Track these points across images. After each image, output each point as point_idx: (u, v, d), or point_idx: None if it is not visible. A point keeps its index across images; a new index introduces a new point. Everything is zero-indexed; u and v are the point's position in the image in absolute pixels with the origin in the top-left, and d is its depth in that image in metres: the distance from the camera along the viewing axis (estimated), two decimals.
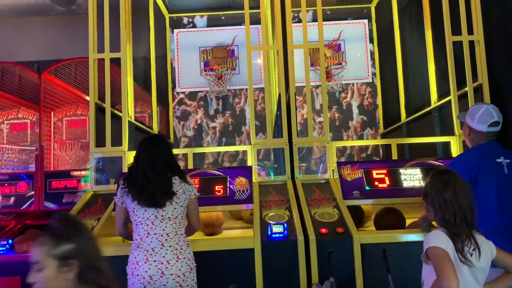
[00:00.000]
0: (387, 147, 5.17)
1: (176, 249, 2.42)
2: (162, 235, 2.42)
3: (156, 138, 2.72)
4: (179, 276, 2.37)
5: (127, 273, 2.44)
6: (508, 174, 2.57)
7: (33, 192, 4.72)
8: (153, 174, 2.46)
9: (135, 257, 2.42)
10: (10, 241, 3.33)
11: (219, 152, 6.67)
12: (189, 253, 2.49)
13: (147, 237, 2.43)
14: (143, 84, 5.39)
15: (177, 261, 2.40)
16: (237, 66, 6.84)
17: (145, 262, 2.38)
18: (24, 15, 6.89)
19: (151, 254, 2.39)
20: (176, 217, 2.49)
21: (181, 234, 2.50)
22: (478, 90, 3.83)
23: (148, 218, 2.45)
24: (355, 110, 6.84)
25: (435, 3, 4.48)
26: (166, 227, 2.44)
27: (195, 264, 2.50)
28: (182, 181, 2.57)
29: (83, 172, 4.74)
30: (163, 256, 2.38)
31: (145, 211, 2.46)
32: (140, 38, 5.26)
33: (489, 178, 2.53)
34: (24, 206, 4.71)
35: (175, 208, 2.49)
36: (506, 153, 2.66)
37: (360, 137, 6.75)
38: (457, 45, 3.93)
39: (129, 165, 2.68)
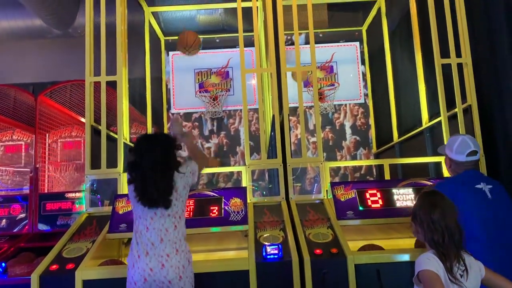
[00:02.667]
0: (380, 167, 5.23)
1: (175, 243, 2.49)
2: (161, 230, 2.49)
3: (155, 137, 2.70)
4: (178, 268, 2.44)
5: (128, 266, 2.50)
6: (492, 199, 2.59)
7: (26, 214, 4.70)
8: (153, 175, 2.47)
9: (136, 251, 2.47)
10: (3, 264, 3.32)
11: (213, 173, 6.68)
12: (186, 246, 2.56)
13: (146, 231, 2.49)
14: (138, 106, 5.44)
15: (176, 253, 2.46)
16: (231, 87, 6.93)
17: (146, 256, 2.44)
18: (20, 38, 6.95)
19: (150, 248, 2.45)
20: (176, 212, 2.55)
21: (180, 229, 2.56)
22: (467, 111, 3.90)
23: (147, 214, 2.52)
24: (348, 130, 6.91)
25: (424, 27, 4.60)
26: (165, 221, 2.51)
27: (192, 256, 2.58)
28: (179, 173, 2.59)
29: (77, 194, 4.73)
30: (163, 250, 2.45)
31: (144, 207, 2.51)
32: (135, 61, 5.34)
33: (468, 205, 2.52)
34: (18, 228, 4.68)
35: (174, 205, 2.55)
36: (487, 180, 2.71)
37: (354, 157, 6.81)
38: (447, 67, 4.03)
39: (129, 158, 2.63)
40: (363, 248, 3.13)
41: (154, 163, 2.48)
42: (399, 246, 3.43)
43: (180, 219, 2.58)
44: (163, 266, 2.42)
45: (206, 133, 6.91)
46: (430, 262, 1.93)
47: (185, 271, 2.47)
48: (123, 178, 3.93)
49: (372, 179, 6.57)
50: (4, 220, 4.74)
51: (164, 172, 2.52)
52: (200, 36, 6.91)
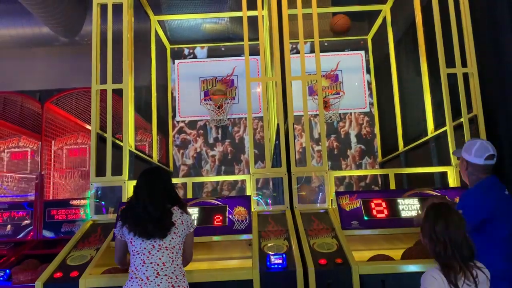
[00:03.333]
0: (386, 176, 5.20)
1: (171, 278, 2.40)
2: (158, 264, 2.42)
3: (156, 170, 2.76)
4: None
5: None
6: None
7: (31, 221, 4.71)
8: (152, 208, 2.48)
9: (131, 286, 2.40)
10: (7, 271, 3.32)
11: (218, 181, 6.68)
12: (184, 282, 2.47)
13: (142, 266, 2.42)
14: (143, 113, 5.47)
15: None
16: (236, 95, 6.94)
17: None
18: (28, 45, 7.02)
19: (145, 283, 2.36)
20: (174, 247, 2.49)
21: (177, 264, 2.49)
22: (473, 121, 3.89)
23: (145, 248, 2.45)
24: (353, 139, 6.89)
25: (429, 36, 4.60)
26: (162, 256, 2.44)
27: None
28: (183, 212, 2.61)
29: (82, 201, 4.74)
30: (158, 285, 2.35)
31: (143, 241, 2.47)
32: (141, 69, 5.37)
33: (502, 211, 2.58)
34: (22, 235, 4.68)
35: (173, 238, 2.50)
36: (504, 185, 2.75)
37: (359, 166, 6.78)
38: (452, 77, 4.02)
39: (128, 198, 2.67)
40: (372, 259, 3.11)
41: (153, 196, 2.51)
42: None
43: (178, 255, 2.51)
44: None
45: (211, 141, 6.91)
46: (435, 281, 1.92)
47: None
48: (128, 185, 3.94)
49: (377, 188, 6.54)
50: (9, 227, 4.76)
51: (163, 204, 2.53)
52: (206, 45, 6.97)
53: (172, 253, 2.47)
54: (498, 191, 2.68)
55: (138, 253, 2.46)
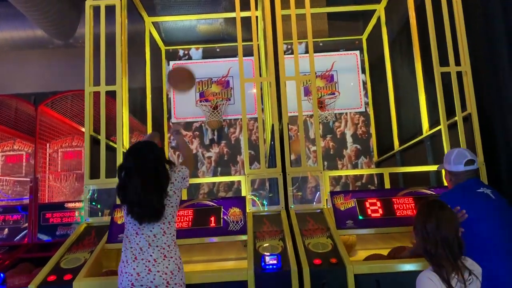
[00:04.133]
0: (382, 176, 5.21)
1: (164, 249, 2.47)
2: (149, 236, 2.47)
3: (144, 149, 2.58)
4: (166, 274, 2.41)
5: (118, 272, 2.49)
6: (496, 199, 2.65)
7: (26, 224, 4.69)
8: (145, 194, 2.44)
9: (125, 256, 2.48)
10: (2, 275, 3.30)
11: (214, 182, 6.67)
12: (176, 252, 2.52)
13: (135, 236, 2.48)
14: (139, 115, 5.45)
15: (163, 259, 2.44)
16: (232, 96, 6.93)
17: (134, 261, 2.43)
18: (22, 48, 7.00)
19: (139, 253, 2.44)
20: (165, 217, 2.53)
21: (170, 233, 2.53)
22: (467, 119, 3.89)
23: (136, 220, 2.50)
24: (349, 139, 6.90)
25: (423, 35, 4.61)
26: (153, 228, 2.49)
27: (182, 263, 2.54)
28: (171, 179, 2.58)
29: (77, 204, 4.73)
30: (150, 255, 2.43)
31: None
32: (136, 70, 5.36)
33: (474, 208, 2.56)
34: (17, 238, 4.67)
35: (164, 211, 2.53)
36: (485, 185, 2.78)
37: (355, 166, 6.79)
38: (447, 75, 4.02)
39: (119, 171, 2.58)
40: (367, 258, 3.10)
41: (142, 185, 2.44)
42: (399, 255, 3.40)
43: (170, 225, 2.55)
44: (149, 271, 2.39)
45: (207, 142, 6.91)
46: (432, 283, 1.91)
47: (173, 278, 2.43)
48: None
49: (373, 188, 6.54)
50: (4, 230, 4.73)
51: (152, 191, 2.48)
52: (201, 46, 6.96)
53: (164, 223, 2.52)
54: (470, 189, 2.69)
55: (130, 223, 2.52)
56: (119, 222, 3.49)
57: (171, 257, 2.47)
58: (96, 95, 4.15)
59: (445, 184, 3.88)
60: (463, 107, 3.94)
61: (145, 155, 2.54)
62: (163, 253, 2.46)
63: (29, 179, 5.40)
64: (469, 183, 2.75)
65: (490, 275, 2.17)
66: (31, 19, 6.20)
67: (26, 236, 4.67)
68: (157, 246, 2.46)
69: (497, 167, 3.70)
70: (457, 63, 4.01)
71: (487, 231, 2.50)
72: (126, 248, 2.50)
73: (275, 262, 2.93)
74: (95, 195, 3.94)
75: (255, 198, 4.03)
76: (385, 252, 3.24)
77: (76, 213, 4.63)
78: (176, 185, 2.62)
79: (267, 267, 2.92)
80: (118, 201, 3.81)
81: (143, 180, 2.46)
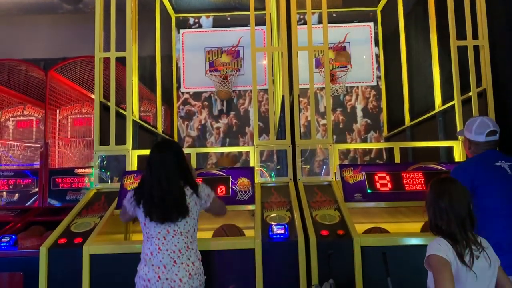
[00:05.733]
0: (391, 151, 5.18)
1: (188, 265, 2.40)
2: (174, 252, 2.40)
3: (168, 145, 2.60)
4: None
5: (136, 286, 2.43)
6: None
7: (37, 189, 4.74)
8: (167, 185, 2.40)
9: (146, 274, 2.38)
10: (13, 237, 3.36)
11: (222, 153, 6.68)
12: (200, 267, 2.47)
13: (158, 252, 2.39)
14: (148, 84, 5.42)
15: (189, 278, 2.37)
16: (242, 67, 6.86)
17: (158, 280, 2.34)
18: (31, 13, 6.93)
19: (163, 272, 2.35)
20: (188, 231, 2.46)
21: (193, 249, 2.47)
22: (482, 95, 3.82)
23: (159, 232, 2.42)
24: (359, 113, 6.83)
25: (440, 8, 4.48)
26: (178, 242, 2.41)
27: (205, 277, 2.50)
28: (193, 193, 2.51)
29: (87, 170, 4.76)
30: (176, 274, 2.35)
31: (157, 224, 2.43)
32: (146, 38, 5.30)
33: (489, 181, 2.54)
34: (29, 203, 4.73)
35: (187, 222, 2.46)
36: (505, 158, 2.68)
37: (364, 140, 6.75)
38: (462, 50, 3.93)
39: (142, 175, 2.58)
40: (369, 231, 3.12)
41: (167, 173, 2.41)
42: (406, 229, 3.41)
43: (193, 239, 2.49)
44: None
45: (216, 113, 6.88)
46: (440, 248, 1.91)
47: None
48: (132, 155, 3.94)
49: (382, 162, 6.51)
50: (15, 194, 4.80)
51: (177, 183, 2.44)
52: (211, 14, 6.85)
53: (187, 237, 2.44)
54: (488, 162, 2.63)
55: (153, 237, 2.43)
56: (128, 188, 3.52)
57: (196, 274, 2.40)
58: (106, 61, 4.12)
59: (456, 159, 3.87)
60: (478, 82, 3.87)
61: (169, 149, 2.52)
62: (188, 271, 2.38)
63: (39, 145, 5.44)
64: (487, 154, 2.68)
65: (494, 247, 2.18)
66: None
67: (36, 200, 4.73)
68: (182, 263, 2.38)
69: (511, 143, 3.65)
70: (475, 37, 3.91)
71: (497, 205, 2.49)
72: (147, 264, 2.40)
73: (282, 232, 2.96)
74: (105, 161, 3.97)
75: (263, 169, 4.04)
76: (392, 225, 3.26)
77: (86, 179, 4.67)
78: (198, 199, 2.52)
79: (275, 236, 2.95)
80: (127, 168, 3.85)
81: (167, 171, 2.41)
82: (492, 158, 2.65)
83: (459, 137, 3.86)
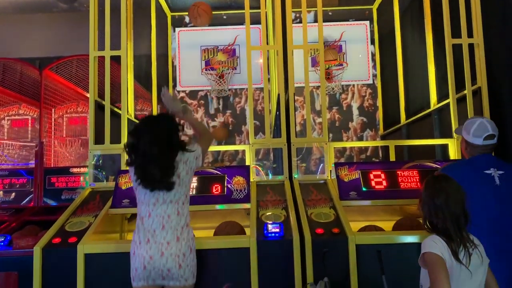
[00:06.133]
0: (386, 149, 5.19)
1: (177, 230, 2.45)
2: (163, 217, 2.45)
3: (158, 115, 2.73)
4: (178, 256, 2.41)
5: (130, 251, 2.49)
6: (500, 185, 2.50)
7: (32, 188, 4.73)
8: (156, 149, 2.41)
9: (139, 237, 2.46)
10: (8, 237, 3.35)
11: (219, 151, 6.67)
12: (189, 233, 2.51)
13: (148, 217, 2.46)
14: (144, 82, 5.41)
15: (177, 241, 2.43)
16: (238, 65, 6.85)
17: (147, 243, 2.42)
18: (26, 11, 6.90)
19: (152, 235, 2.42)
20: (179, 198, 2.51)
21: (183, 214, 2.51)
22: (477, 93, 3.83)
23: (149, 199, 2.48)
24: (355, 112, 6.84)
25: (436, 6, 4.48)
26: (167, 208, 2.47)
27: (195, 245, 2.55)
28: (182, 153, 2.53)
29: (82, 169, 4.74)
30: (164, 238, 2.42)
31: (146, 192, 2.48)
32: (141, 36, 5.28)
33: (472, 190, 2.35)
34: (24, 202, 4.72)
35: (177, 190, 2.50)
36: (500, 165, 2.60)
37: (360, 138, 6.75)
38: (457, 48, 3.93)
39: (128, 140, 2.56)
40: (363, 229, 3.12)
41: (153, 142, 2.42)
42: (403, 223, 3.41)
43: (184, 205, 2.53)
44: (162, 254, 2.39)
45: (212, 111, 6.87)
46: (435, 245, 1.92)
47: (185, 259, 2.44)
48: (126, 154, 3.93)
49: (377, 160, 6.52)
50: (10, 194, 4.78)
51: (163, 151, 2.44)
52: None
53: (178, 203, 2.50)
54: (478, 169, 2.55)
55: (143, 203, 2.50)
56: (123, 188, 3.52)
57: (184, 239, 2.46)
58: (101, 60, 4.11)
59: (451, 157, 3.88)
60: (473, 80, 3.87)
61: (159, 120, 2.56)
62: (176, 235, 2.44)
63: (34, 144, 5.42)
64: (480, 160, 2.61)
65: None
66: None
67: (32, 200, 4.71)
68: (170, 228, 2.44)
69: (505, 142, 3.65)
70: (470, 35, 3.92)
71: (476, 218, 2.26)
72: (139, 229, 2.48)
73: (277, 230, 2.96)
74: (100, 161, 3.96)
75: (259, 168, 4.04)
76: (387, 224, 3.26)
77: (81, 178, 4.66)
78: (188, 164, 2.55)
79: (270, 235, 2.95)
80: (122, 167, 3.83)
81: (155, 136, 2.43)
82: (484, 165, 2.58)
83: (455, 135, 3.86)
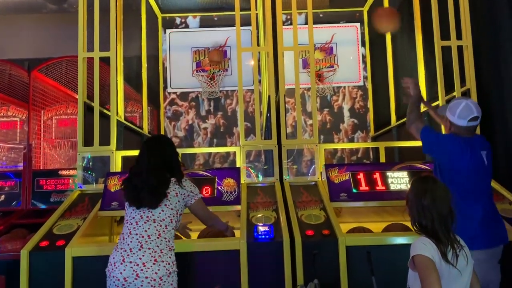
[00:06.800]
0: (377, 150, 5.21)
1: (155, 252, 2.31)
2: (143, 236, 2.34)
3: (157, 138, 2.78)
4: (154, 280, 2.25)
5: (106, 274, 2.37)
6: (488, 166, 2.65)
7: (20, 191, 4.68)
8: (146, 173, 2.41)
9: (113, 258, 2.34)
10: None
11: (210, 153, 6.65)
12: (170, 257, 2.36)
13: (128, 236, 2.36)
14: (134, 84, 5.37)
15: (154, 263, 2.27)
16: (229, 67, 6.84)
17: (121, 263, 2.28)
18: (15, 12, 6.84)
19: (128, 255, 2.29)
20: (163, 219, 2.40)
21: (165, 238, 2.39)
22: (466, 94, 3.85)
23: (133, 217, 2.40)
24: (346, 113, 6.86)
25: (425, 9, 4.51)
26: (149, 228, 2.36)
27: (176, 270, 2.38)
28: (176, 183, 2.49)
29: (71, 171, 4.70)
30: (140, 258, 2.28)
31: (133, 210, 2.42)
32: (132, 38, 5.25)
33: (467, 160, 2.57)
34: (11, 205, 4.66)
35: (163, 211, 2.41)
36: (481, 145, 2.71)
37: (351, 140, 6.77)
38: (447, 50, 3.96)
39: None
40: (351, 231, 3.12)
41: (150, 162, 2.46)
42: (391, 229, 3.42)
43: (167, 229, 2.40)
44: (137, 277, 2.24)
45: (203, 113, 6.85)
46: (425, 247, 1.91)
47: (162, 284, 2.27)
48: (116, 156, 3.90)
49: (368, 162, 6.54)
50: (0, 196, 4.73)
51: (159, 171, 2.44)
52: (198, 14, 6.81)
53: (160, 226, 2.38)
54: (471, 148, 2.63)
55: (127, 222, 2.42)
56: (112, 190, 3.48)
57: (162, 261, 2.30)
58: (90, 61, 4.07)
59: None
60: (462, 82, 3.90)
61: (156, 141, 2.65)
62: (154, 257, 2.29)
63: (23, 146, 5.36)
64: (473, 140, 2.68)
65: (465, 213, 2.29)
66: None
67: (20, 202, 4.66)
68: (148, 249, 2.30)
69: (494, 143, 3.68)
70: (458, 37, 3.94)
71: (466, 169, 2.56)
72: (116, 248, 2.37)
73: (267, 232, 2.95)
74: (90, 163, 3.92)
75: (250, 169, 4.02)
76: (378, 225, 3.26)
77: (70, 181, 4.62)
78: (181, 192, 2.50)
79: (260, 237, 2.94)
80: (112, 169, 3.80)
81: (149, 160, 2.46)
82: (479, 145, 2.67)
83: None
